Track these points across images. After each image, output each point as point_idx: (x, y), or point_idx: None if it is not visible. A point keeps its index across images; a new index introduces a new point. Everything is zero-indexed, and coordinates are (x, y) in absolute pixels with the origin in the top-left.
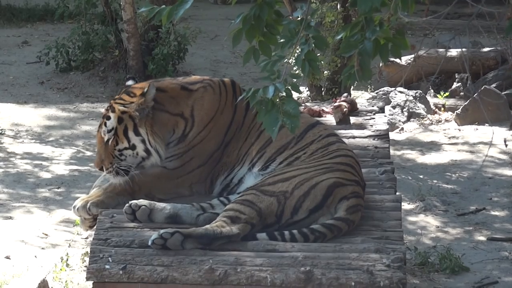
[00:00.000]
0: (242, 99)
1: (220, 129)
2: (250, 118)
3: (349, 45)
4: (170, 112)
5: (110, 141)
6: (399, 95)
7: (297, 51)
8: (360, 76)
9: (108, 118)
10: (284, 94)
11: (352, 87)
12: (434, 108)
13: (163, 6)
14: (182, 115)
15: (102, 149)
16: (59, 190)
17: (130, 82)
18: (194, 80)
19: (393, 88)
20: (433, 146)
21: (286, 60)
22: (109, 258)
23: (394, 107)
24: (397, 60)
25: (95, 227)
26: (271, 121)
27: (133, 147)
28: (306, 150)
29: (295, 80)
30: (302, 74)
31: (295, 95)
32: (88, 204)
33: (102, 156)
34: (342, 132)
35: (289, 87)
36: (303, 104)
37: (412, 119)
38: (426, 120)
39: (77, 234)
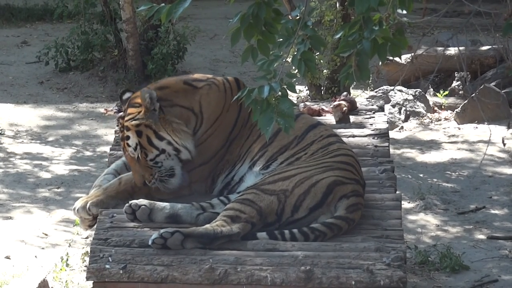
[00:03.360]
0: (238, 99)
1: (226, 128)
2: None
3: (347, 45)
4: (181, 105)
5: (140, 156)
6: (399, 94)
7: (295, 51)
8: (358, 76)
9: (128, 137)
10: (279, 93)
11: (351, 86)
12: (433, 106)
13: (163, 4)
14: (193, 110)
15: (137, 166)
16: (58, 190)
17: (127, 95)
18: (197, 78)
19: (392, 87)
20: (433, 145)
21: (283, 59)
22: (109, 258)
23: (393, 106)
24: (397, 59)
25: (94, 226)
26: (265, 121)
27: (163, 152)
28: (307, 151)
29: (294, 79)
30: (298, 74)
31: (293, 94)
32: (88, 204)
33: (140, 172)
34: (341, 131)
35: (285, 87)
36: (302, 103)
37: (411, 118)
38: (425, 119)
39: (77, 234)
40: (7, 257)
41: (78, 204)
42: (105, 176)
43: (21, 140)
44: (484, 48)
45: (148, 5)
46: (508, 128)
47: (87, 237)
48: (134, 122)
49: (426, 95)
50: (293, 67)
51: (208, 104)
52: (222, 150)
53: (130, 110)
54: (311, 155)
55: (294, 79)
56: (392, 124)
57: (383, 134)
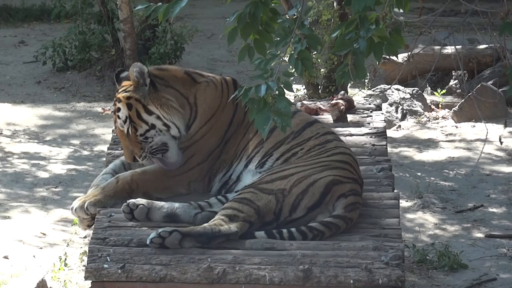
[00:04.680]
0: (234, 98)
1: (221, 127)
2: None
3: (344, 44)
4: (177, 90)
5: (130, 130)
6: (396, 93)
7: (292, 50)
8: (354, 75)
9: (119, 109)
10: (276, 92)
11: (349, 85)
12: (431, 105)
13: (160, 4)
14: (188, 100)
15: (127, 141)
16: (56, 189)
17: (124, 74)
18: (199, 72)
19: (389, 86)
20: (431, 144)
21: (280, 58)
22: (108, 257)
23: (391, 105)
24: (394, 58)
25: (93, 226)
26: (262, 120)
27: (153, 126)
28: (303, 146)
29: (291, 78)
30: (295, 73)
31: (290, 94)
32: (86, 204)
33: (129, 147)
34: (339, 130)
35: (282, 86)
36: (300, 102)
37: (409, 117)
38: (423, 118)
39: (75, 233)
40: (5, 257)
41: (76, 204)
42: (103, 175)
43: (18, 139)
44: (481, 46)
45: (145, 4)
46: (505, 126)
47: (85, 237)
48: (125, 94)
49: (424, 94)
50: (290, 66)
51: (204, 100)
52: (218, 149)
53: (124, 83)
54: (308, 151)
55: (291, 78)
56: (389, 123)
57: (380, 133)
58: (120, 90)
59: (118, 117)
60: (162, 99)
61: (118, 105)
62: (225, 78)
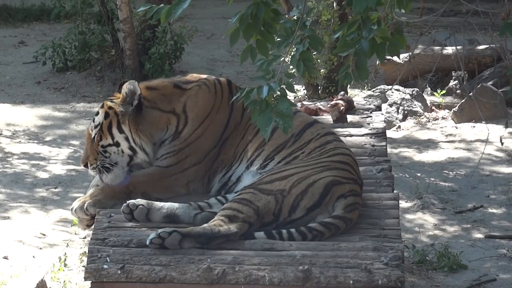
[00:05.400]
0: (237, 99)
1: (217, 128)
2: (248, 116)
3: (346, 44)
4: (162, 110)
5: (95, 137)
6: (396, 93)
7: (293, 51)
8: (356, 76)
9: (97, 113)
10: (278, 93)
11: (349, 86)
12: (431, 106)
13: (162, 5)
14: (174, 112)
15: (89, 145)
16: (56, 190)
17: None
18: (189, 79)
19: (390, 86)
20: (430, 144)
21: (282, 59)
22: (107, 258)
23: (391, 105)
24: (394, 58)
25: (92, 226)
26: (264, 121)
27: (117, 144)
28: (304, 149)
29: (290, 79)
30: (297, 74)
31: (291, 94)
32: (85, 205)
33: (88, 152)
34: (339, 130)
35: (284, 87)
36: (300, 103)
37: (409, 117)
38: (423, 118)
39: (75, 234)
40: (5, 257)
41: (75, 204)
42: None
43: (18, 140)
44: (481, 47)
45: (147, 5)
46: (507, 127)
47: (85, 237)
48: (109, 103)
49: (424, 94)
50: (291, 67)
51: (195, 104)
52: (215, 150)
53: (116, 94)
54: (309, 153)
55: (291, 79)
56: (389, 124)
57: (380, 134)
58: (110, 98)
59: (93, 120)
60: (140, 125)
61: (99, 109)
62: (219, 79)
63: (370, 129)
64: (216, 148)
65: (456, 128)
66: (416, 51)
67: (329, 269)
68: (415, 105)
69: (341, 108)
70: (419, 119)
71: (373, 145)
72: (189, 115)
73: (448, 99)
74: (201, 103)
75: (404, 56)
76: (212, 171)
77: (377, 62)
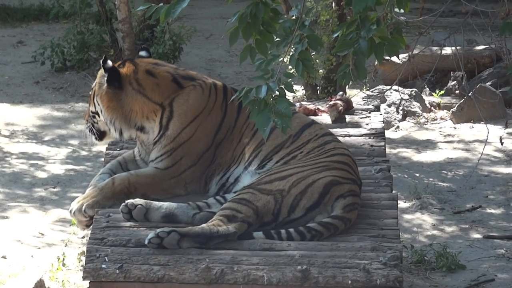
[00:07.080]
0: (235, 100)
1: (208, 130)
2: (243, 120)
3: (344, 44)
4: (149, 98)
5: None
6: (395, 94)
7: (292, 50)
8: (355, 76)
9: (98, 76)
10: (277, 93)
11: (347, 86)
12: (429, 106)
13: (161, 4)
14: (161, 105)
15: (89, 105)
16: (55, 189)
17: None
18: (190, 76)
19: (388, 87)
20: (429, 144)
21: (281, 59)
22: (106, 258)
23: (389, 106)
24: (393, 59)
25: (91, 226)
26: (263, 121)
27: (97, 114)
28: (302, 149)
29: (289, 79)
30: (296, 74)
31: (290, 94)
32: (84, 207)
33: (87, 110)
34: (337, 130)
35: (282, 87)
36: (298, 103)
37: (407, 118)
38: (421, 119)
39: (73, 233)
40: (4, 257)
41: (74, 206)
42: (100, 175)
43: (17, 139)
44: (480, 47)
45: (146, 5)
46: (506, 127)
47: (83, 237)
48: (102, 71)
49: (422, 95)
50: (289, 67)
51: (184, 102)
52: (208, 152)
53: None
54: (307, 153)
55: (290, 79)
56: (388, 124)
57: (379, 134)
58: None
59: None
60: (113, 102)
61: (99, 72)
62: (216, 83)
63: (369, 129)
64: (210, 151)
65: (455, 128)
66: (415, 52)
67: (328, 269)
68: (413, 105)
69: (340, 108)
70: (418, 120)
71: (371, 145)
72: (175, 109)
73: (447, 99)
74: (192, 102)
75: (403, 56)
76: (209, 174)
77: (375, 63)
